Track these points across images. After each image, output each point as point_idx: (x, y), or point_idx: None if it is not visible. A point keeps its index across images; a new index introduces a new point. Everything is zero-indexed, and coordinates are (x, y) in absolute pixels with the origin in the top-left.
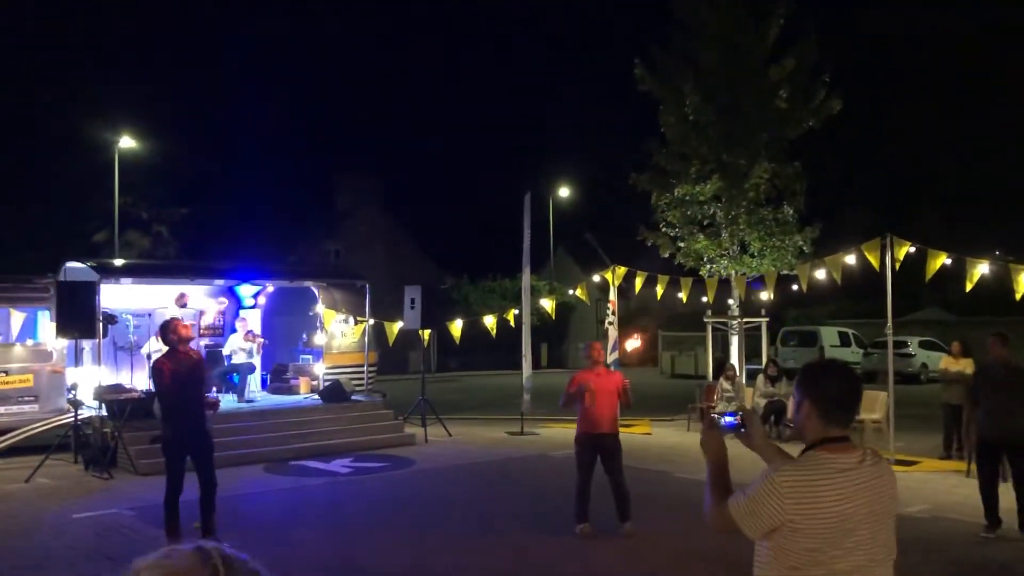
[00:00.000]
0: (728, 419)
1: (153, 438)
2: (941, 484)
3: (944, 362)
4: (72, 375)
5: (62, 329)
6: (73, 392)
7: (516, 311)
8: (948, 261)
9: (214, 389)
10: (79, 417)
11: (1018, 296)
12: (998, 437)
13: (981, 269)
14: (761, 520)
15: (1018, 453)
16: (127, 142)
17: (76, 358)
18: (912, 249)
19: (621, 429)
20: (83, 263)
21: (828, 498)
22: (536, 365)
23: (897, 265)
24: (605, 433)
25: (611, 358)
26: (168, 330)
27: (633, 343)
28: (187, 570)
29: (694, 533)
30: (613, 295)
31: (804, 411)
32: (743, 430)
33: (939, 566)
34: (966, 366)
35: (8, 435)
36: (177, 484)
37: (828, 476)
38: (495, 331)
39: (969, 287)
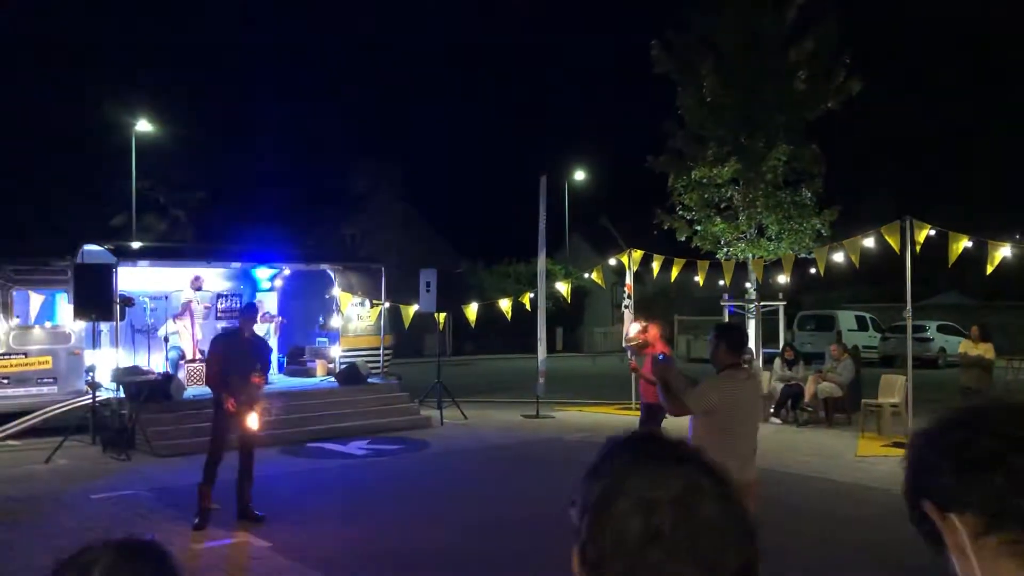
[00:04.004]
0: (662, 358)
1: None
2: None
3: (963, 346)
4: (90, 357)
5: (79, 311)
6: (91, 374)
7: (531, 295)
8: (969, 244)
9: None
10: (97, 399)
11: None
12: None
13: (1003, 253)
14: (704, 404)
15: None
16: (144, 126)
17: (94, 340)
18: (932, 232)
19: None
20: (100, 246)
21: (738, 393)
22: (551, 349)
23: (917, 248)
24: (647, 403)
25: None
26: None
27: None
28: None
29: None
30: (629, 279)
31: (721, 349)
32: (669, 364)
33: None
34: (986, 351)
35: (27, 416)
36: (216, 449)
37: (738, 382)
38: (510, 315)
39: (990, 270)
